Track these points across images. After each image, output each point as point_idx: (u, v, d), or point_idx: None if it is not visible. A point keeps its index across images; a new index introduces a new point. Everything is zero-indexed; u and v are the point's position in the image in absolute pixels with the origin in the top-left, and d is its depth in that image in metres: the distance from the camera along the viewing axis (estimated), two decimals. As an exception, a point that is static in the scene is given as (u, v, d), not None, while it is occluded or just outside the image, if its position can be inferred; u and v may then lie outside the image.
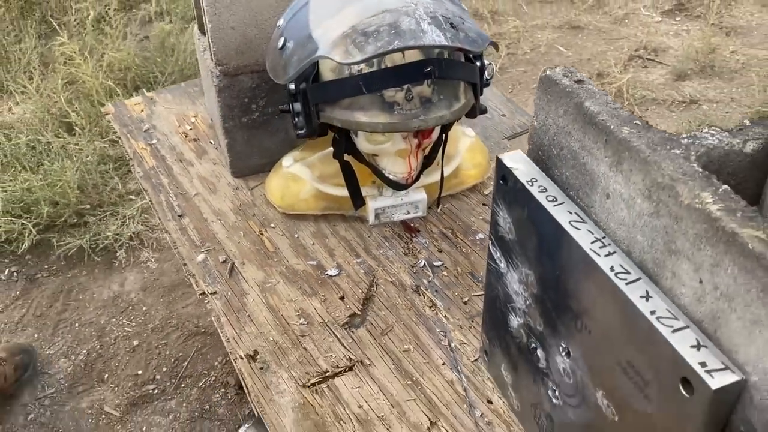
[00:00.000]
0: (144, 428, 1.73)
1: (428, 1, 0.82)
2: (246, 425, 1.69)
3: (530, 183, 0.66)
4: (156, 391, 1.82)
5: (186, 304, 2.05)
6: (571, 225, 0.61)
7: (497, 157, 0.70)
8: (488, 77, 0.97)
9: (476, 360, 0.89)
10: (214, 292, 0.99)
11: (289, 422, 0.82)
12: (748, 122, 0.59)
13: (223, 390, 1.81)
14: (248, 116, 1.13)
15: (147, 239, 2.25)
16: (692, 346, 0.49)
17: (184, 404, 1.78)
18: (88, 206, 2.29)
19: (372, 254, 1.05)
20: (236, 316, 0.96)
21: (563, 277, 0.63)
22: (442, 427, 0.81)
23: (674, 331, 0.51)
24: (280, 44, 0.88)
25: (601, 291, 0.57)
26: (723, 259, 0.48)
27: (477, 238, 1.08)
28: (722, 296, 0.49)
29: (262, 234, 1.09)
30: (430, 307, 0.97)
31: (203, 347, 1.92)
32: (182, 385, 1.82)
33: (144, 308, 2.05)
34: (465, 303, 0.97)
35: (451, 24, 0.78)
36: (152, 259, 2.22)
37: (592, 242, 0.59)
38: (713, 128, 0.58)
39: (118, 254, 2.21)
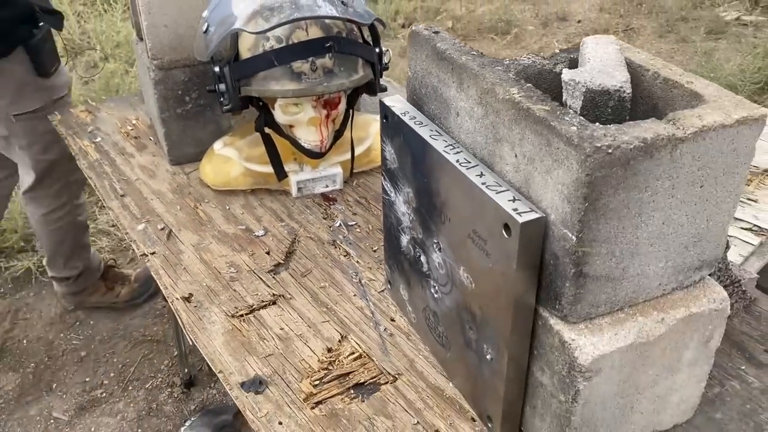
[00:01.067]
0: (93, 429, 1.80)
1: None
2: (191, 420, 1.78)
3: (403, 114, 0.83)
4: (104, 395, 1.89)
5: (133, 317, 2.13)
6: (431, 138, 0.78)
7: (380, 101, 0.87)
8: (386, 61, 1.15)
9: (382, 291, 1.04)
10: (153, 252, 1.12)
11: (219, 344, 0.95)
12: (557, 50, 0.78)
13: (169, 390, 1.89)
14: (182, 107, 1.28)
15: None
16: (509, 200, 0.66)
17: (132, 405, 1.85)
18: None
19: (295, 219, 1.20)
20: (173, 270, 1.09)
21: (429, 181, 0.79)
22: (352, 339, 0.95)
23: (498, 193, 0.67)
24: (204, 29, 1.04)
25: (453, 180, 0.74)
26: (525, 132, 0.65)
27: (387, 203, 1.24)
28: (528, 161, 0.66)
29: (197, 207, 1.23)
30: (344, 255, 1.12)
31: (150, 353, 2.01)
32: (129, 388, 1.90)
33: (91, 322, 2.12)
34: (374, 251, 1.12)
35: (342, 2, 0.97)
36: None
37: (446, 147, 0.76)
38: (530, 54, 0.76)
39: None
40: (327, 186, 1.26)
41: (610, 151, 0.57)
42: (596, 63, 0.67)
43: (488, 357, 0.76)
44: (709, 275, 0.74)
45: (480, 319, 0.76)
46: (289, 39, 1.00)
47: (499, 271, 0.69)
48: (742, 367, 0.90)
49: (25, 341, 2.07)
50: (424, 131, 0.79)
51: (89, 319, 2.13)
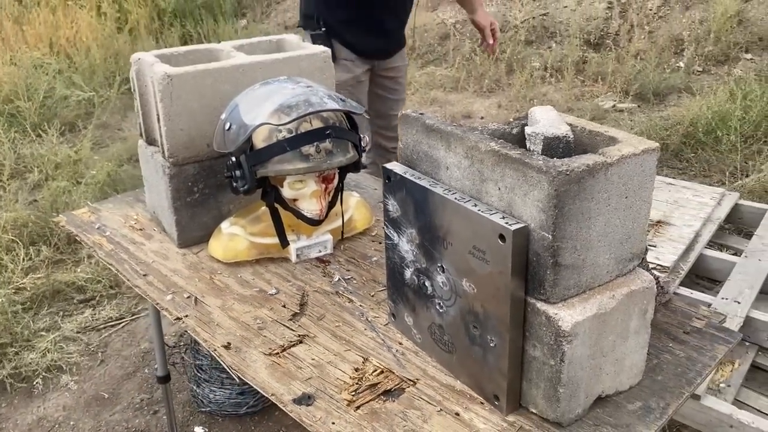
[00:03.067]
0: None
1: (322, 88, 1.30)
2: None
3: (404, 173, 1.11)
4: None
5: (113, 412, 2.21)
6: (431, 186, 1.06)
7: (382, 166, 1.15)
8: (365, 145, 1.44)
9: (386, 324, 1.28)
10: (186, 315, 1.32)
11: (265, 375, 1.15)
12: (511, 119, 1.09)
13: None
14: (191, 196, 1.51)
15: (66, 364, 2.41)
16: (501, 218, 0.94)
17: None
18: (6, 341, 2.43)
19: (299, 279, 1.43)
20: (208, 326, 1.28)
21: (431, 219, 1.06)
22: (372, 360, 1.18)
23: (491, 214, 0.95)
24: (227, 127, 1.30)
25: (453, 213, 1.01)
26: (505, 170, 0.94)
27: (373, 260, 1.49)
28: (509, 190, 0.95)
29: (212, 278, 1.44)
30: (348, 301, 1.35)
31: (138, 445, 2.09)
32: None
33: (71, 423, 2.19)
34: (372, 296, 1.36)
35: (340, 98, 1.26)
36: (72, 382, 2.37)
37: (444, 190, 1.04)
38: (495, 123, 1.07)
39: (35, 383, 2.35)
40: (320, 251, 1.50)
41: (568, 173, 0.87)
42: (545, 122, 0.98)
43: (492, 344, 1.02)
44: (638, 265, 1.04)
45: (483, 315, 1.02)
46: (297, 130, 1.28)
47: (498, 271, 0.96)
48: (670, 345, 1.19)
49: (4, 450, 2.09)
50: (424, 182, 1.07)
51: (68, 420, 2.19)
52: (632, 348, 1.05)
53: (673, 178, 3.13)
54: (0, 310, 2.52)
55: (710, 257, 2.41)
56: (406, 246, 1.16)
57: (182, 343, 2.33)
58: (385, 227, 1.19)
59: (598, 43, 5.07)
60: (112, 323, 2.67)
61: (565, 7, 5.39)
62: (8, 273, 2.81)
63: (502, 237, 0.93)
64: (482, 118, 4.62)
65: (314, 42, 2.11)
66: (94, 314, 2.69)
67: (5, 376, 2.33)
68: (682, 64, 4.63)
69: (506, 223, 0.93)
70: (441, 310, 1.12)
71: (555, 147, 0.96)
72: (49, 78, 4.86)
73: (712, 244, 2.56)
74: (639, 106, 4.35)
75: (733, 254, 2.56)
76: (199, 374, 2.13)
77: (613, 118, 4.24)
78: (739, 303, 2.04)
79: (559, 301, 0.96)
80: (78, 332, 2.59)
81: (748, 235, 2.79)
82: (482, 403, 1.08)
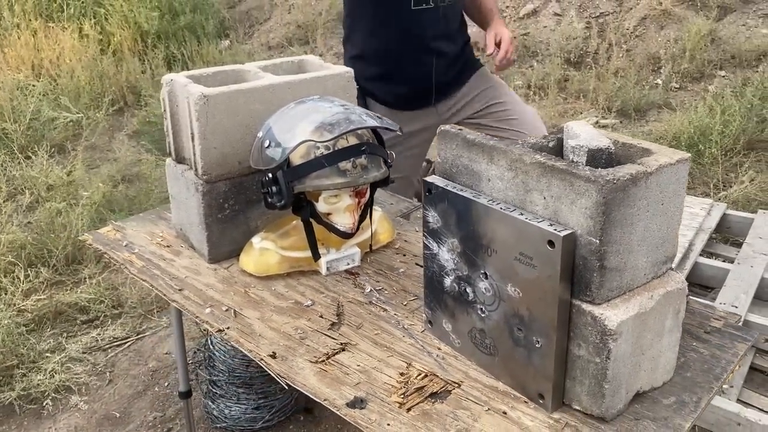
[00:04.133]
0: None
1: (359, 108, 1.36)
2: None
3: (446, 186, 1.18)
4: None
5: (126, 431, 2.21)
6: (474, 197, 1.12)
7: (423, 179, 1.21)
8: (390, 160, 1.50)
9: (423, 331, 1.33)
10: (228, 327, 1.35)
11: (314, 382, 1.19)
12: (547, 133, 1.16)
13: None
14: (222, 213, 1.55)
15: (75, 384, 2.41)
16: (549, 225, 1.01)
17: None
18: (13, 363, 2.42)
19: (332, 291, 1.48)
20: (250, 337, 1.32)
21: (475, 228, 1.12)
22: (415, 365, 1.23)
23: (539, 222, 1.02)
24: (266, 145, 1.36)
25: (498, 222, 1.08)
26: (551, 180, 1.01)
27: (400, 272, 1.55)
28: (555, 199, 1.01)
29: (247, 292, 1.48)
30: (383, 311, 1.40)
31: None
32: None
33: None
34: (405, 305, 1.42)
35: (377, 116, 1.33)
36: (81, 402, 2.37)
37: (488, 201, 1.10)
38: (533, 137, 1.14)
39: (45, 404, 2.34)
40: (348, 264, 1.55)
41: (614, 182, 0.94)
42: (586, 135, 1.05)
43: (537, 345, 1.08)
44: (670, 269, 1.12)
45: (528, 318, 1.08)
46: (335, 146, 1.34)
47: (546, 276, 1.02)
48: (694, 344, 1.27)
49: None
50: (467, 194, 1.14)
51: (81, 441, 2.19)
52: (666, 346, 1.12)
53: (661, 190, 3.24)
54: (6, 332, 2.51)
55: (705, 265, 2.52)
56: (446, 255, 1.21)
57: (197, 360, 2.34)
58: (424, 238, 1.25)
59: (578, 62, 5.22)
60: (118, 343, 2.67)
61: (545, 27, 5.54)
62: (9, 295, 2.80)
63: (551, 243, 1.00)
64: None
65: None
66: (99, 334, 2.69)
67: (14, 398, 2.32)
68: (660, 81, 4.80)
69: (555, 229, 0.99)
70: (483, 315, 1.17)
71: (598, 158, 1.03)
72: (35, 100, 4.84)
73: (703, 252, 2.67)
74: (621, 122, 4.49)
75: (723, 262, 2.67)
76: (214, 390, 2.15)
77: (597, 134, 4.36)
78: (736, 307, 2.13)
79: (603, 302, 1.02)
80: (84, 353, 2.59)
81: (735, 243, 2.91)
82: (526, 402, 1.14)
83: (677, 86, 4.75)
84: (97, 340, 2.66)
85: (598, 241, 0.97)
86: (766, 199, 3.22)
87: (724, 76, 4.70)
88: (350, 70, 1.64)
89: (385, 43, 2.09)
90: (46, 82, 5.38)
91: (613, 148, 1.04)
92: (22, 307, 2.77)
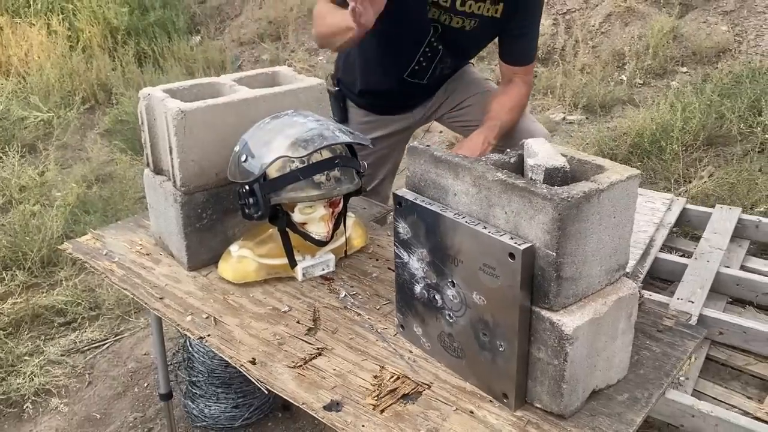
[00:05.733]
0: None
1: (332, 122, 1.42)
2: None
3: (415, 199, 1.25)
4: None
5: (107, 432, 2.26)
6: (442, 211, 1.20)
7: (393, 193, 1.28)
8: (362, 170, 1.57)
9: (395, 335, 1.41)
10: (209, 335, 1.41)
11: (293, 386, 1.26)
12: (509, 150, 1.24)
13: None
14: (200, 222, 1.60)
15: (54, 387, 2.44)
16: (510, 238, 1.09)
17: None
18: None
19: (308, 296, 1.55)
20: (231, 344, 1.38)
21: (442, 239, 1.20)
22: (388, 368, 1.30)
23: (501, 235, 1.10)
24: (243, 159, 1.41)
25: (463, 235, 1.15)
26: (512, 197, 1.09)
27: (373, 276, 1.62)
28: (516, 214, 1.09)
29: (226, 299, 1.54)
30: (357, 315, 1.47)
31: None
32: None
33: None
34: (378, 309, 1.49)
35: (349, 131, 1.39)
36: (62, 404, 2.40)
37: (454, 214, 1.18)
38: (496, 152, 1.22)
39: (25, 407, 2.37)
40: (324, 269, 1.62)
41: (569, 199, 1.02)
42: (544, 154, 1.13)
43: (501, 349, 1.16)
44: (623, 275, 1.20)
45: (492, 324, 1.16)
46: (309, 160, 1.40)
47: (507, 285, 1.10)
48: (647, 342, 1.36)
49: (0, 474, 2.12)
50: (435, 207, 1.21)
51: (63, 443, 2.23)
52: (620, 347, 1.21)
53: (624, 186, 3.35)
54: (-18, 336, 2.53)
55: (664, 260, 2.63)
56: (416, 264, 1.29)
57: (176, 361, 2.39)
58: (395, 247, 1.32)
59: (545, 58, 5.33)
60: (96, 344, 2.71)
61: (514, 23, 5.63)
62: (-16, 299, 2.81)
63: (512, 255, 1.07)
64: (441, 132, 4.80)
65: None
66: (77, 336, 2.72)
67: (-6, 401, 2.35)
68: (624, 78, 4.92)
69: (515, 243, 1.07)
70: (451, 320, 1.25)
71: (554, 176, 1.11)
72: (4, 99, 4.80)
73: (663, 247, 2.78)
74: (587, 118, 4.61)
75: (681, 256, 2.79)
76: (193, 390, 2.20)
77: (564, 130, 4.48)
78: (692, 302, 2.25)
79: (560, 309, 1.11)
80: (62, 355, 2.62)
81: (694, 237, 3.04)
82: (491, 401, 1.22)
83: (641, 82, 4.88)
84: (76, 343, 2.69)
85: (554, 254, 1.05)
86: (724, 194, 3.35)
87: (685, 72, 4.85)
88: (322, 82, 1.70)
89: (374, 84, 2.14)
90: (15, 80, 5.33)
91: (568, 167, 1.12)
92: (-2, 311, 2.79)
